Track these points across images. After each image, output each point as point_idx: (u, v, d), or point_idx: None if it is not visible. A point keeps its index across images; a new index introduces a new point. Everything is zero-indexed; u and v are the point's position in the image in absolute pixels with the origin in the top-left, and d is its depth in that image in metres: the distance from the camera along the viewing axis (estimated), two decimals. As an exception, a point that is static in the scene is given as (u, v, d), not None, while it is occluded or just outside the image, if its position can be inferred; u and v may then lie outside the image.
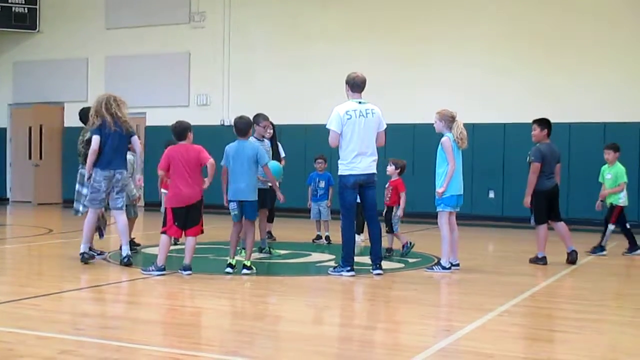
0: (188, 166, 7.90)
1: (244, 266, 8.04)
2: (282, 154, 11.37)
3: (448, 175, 8.28)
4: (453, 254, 8.50)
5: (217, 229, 12.13)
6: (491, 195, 15.46)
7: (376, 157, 8.12)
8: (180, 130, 8.18)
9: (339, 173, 8.10)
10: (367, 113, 8.04)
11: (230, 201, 8.11)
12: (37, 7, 20.30)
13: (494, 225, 14.75)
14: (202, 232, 8.07)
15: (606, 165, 10.59)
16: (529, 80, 15.52)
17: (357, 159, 7.96)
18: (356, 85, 8.14)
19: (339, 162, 8.09)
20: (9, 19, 20.12)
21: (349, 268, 7.99)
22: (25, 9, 20.21)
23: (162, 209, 8.92)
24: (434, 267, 8.48)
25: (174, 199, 7.89)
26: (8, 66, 20.95)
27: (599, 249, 10.20)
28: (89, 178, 8.49)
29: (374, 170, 8.12)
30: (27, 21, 20.28)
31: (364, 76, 8.18)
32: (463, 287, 7.69)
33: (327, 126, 8.05)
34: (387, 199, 9.73)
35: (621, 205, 10.31)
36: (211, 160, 7.97)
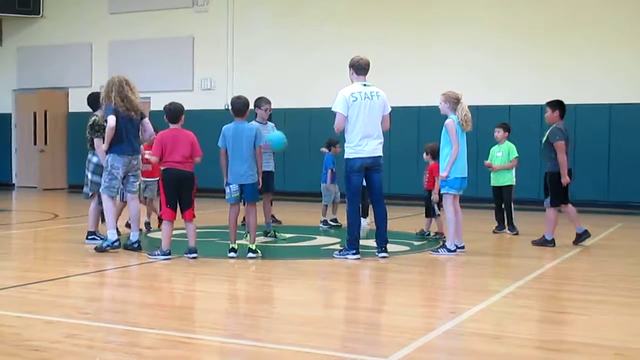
0: (179, 152, 7.83)
1: (249, 250, 8.04)
2: None
3: (451, 158, 8.26)
4: (458, 237, 8.46)
5: (222, 212, 12.13)
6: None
7: (382, 140, 8.08)
8: (175, 113, 8.07)
9: (345, 156, 8.03)
10: (372, 95, 8.00)
11: (229, 184, 8.01)
12: (41, -8, 20.27)
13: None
14: (194, 216, 8.00)
15: (496, 145, 10.71)
16: (534, 62, 15.43)
17: (364, 142, 7.91)
18: (360, 68, 8.07)
19: (345, 145, 8.02)
20: (12, 4, 20.07)
21: (354, 251, 7.99)
22: (29, -6, 20.17)
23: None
24: (439, 250, 8.46)
25: (166, 179, 7.84)
26: (12, 51, 20.94)
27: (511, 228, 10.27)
28: (104, 162, 8.38)
29: (380, 153, 8.08)
30: (31, 6, 20.23)
31: (367, 59, 8.13)
32: (468, 269, 7.70)
33: (332, 109, 7.99)
34: (425, 183, 9.78)
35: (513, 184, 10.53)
36: (200, 157, 8.04)
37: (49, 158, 20.15)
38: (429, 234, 9.80)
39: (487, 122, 15.11)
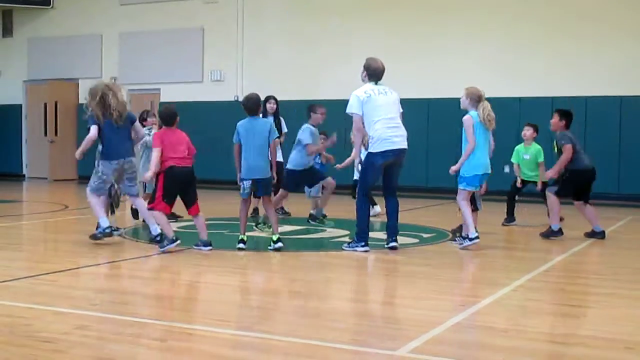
0: (180, 149, 7.90)
1: (274, 241, 7.99)
2: (284, 129, 11.36)
3: (465, 154, 8.13)
4: (469, 228, 8.31)
5: (230, 204, 12.14)
6: (506, 170, 15.36)
7: (405, 133, 7.99)
8: (171, 116, 8.06)
9: (369, 150, 7.91)
10: (385, 91, 7.96)
11: (243, 179, 8.00)
12: (51, -17, 20.30)
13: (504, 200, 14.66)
14: (153, 209, 7.89)
15: (522, 145, 10.74)
16: (545, 53, 15.37)
17: (387, 132, 7.78)
18: (375, 75, 8.00)
19: (370, 140, 7.87)
20: (23, -4, 20.14)
21: (363, 243, 7.97)
22: (39, -16, 20.21)
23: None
24: (456, 239, 8.39)
25: (171, 177, 7.82)
26: (23, 42, 20.98)
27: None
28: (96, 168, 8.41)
29: (406, 146, 7.96)
30: (41, -3, 20.28)
31: (383, 66, 8.02)
32: (478, 262, 7.69)
33: (347, 111, 7.89)
34: None
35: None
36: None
37: (59, 149, 20.20)
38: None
39: (498, 114, 15.07)
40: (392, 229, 8.10)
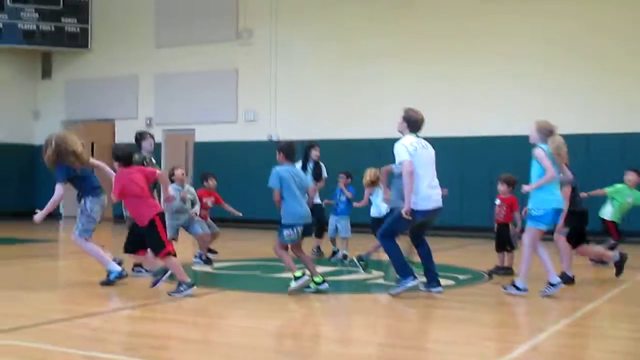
0: (141, 188, 7.73)
1: (317, 283, 7.86)
2: (324, 175, 11.40)
3: (540, 180, 7.62)
4: (551, 272, 7.79)
5: (260, 245, 12.14)
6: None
7: (440, 191, 7.95)
8: (128, 156, 7.97)
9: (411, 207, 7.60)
10: (426, 146, 7.93)
11: (294, 226, 7.81)
12: (89, 26, 20.71)
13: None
14: (170, 252, 7.69)
15: (626, 186, 10.52)
16: (570, 94, 15.30)
17: (429, 191, 7.74)
18: (417, 126, 7.93)
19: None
20: (62, 39, 20.57)
21: (410, 277, 7.67)
22: (78, 28, 20.63)
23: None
24: (506, 287, 7.93)
25: (162, 218, 7.77)
26: (61, 84, 21.39)
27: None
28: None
29: (441, 204, 7.91)
30: (80, 40, 20.70)
31: (423, 117, 7.98)
32: (514, 305, 7.54)
33: (398, 161, 7.72)
34: (501, 216, 9.48)
35: None
36: (159, 172, 7.98)
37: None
38: (506, 270, 9.37)
39: (526, 153, 15.02)
40: (432, 273, 7.90)
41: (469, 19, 16.37)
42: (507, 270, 9.33)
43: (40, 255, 12.05)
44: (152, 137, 9.68)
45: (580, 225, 8.85)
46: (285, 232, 7.80)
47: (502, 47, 16.02)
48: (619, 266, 9.04)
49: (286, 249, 7.97)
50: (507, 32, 16.08)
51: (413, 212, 7.63)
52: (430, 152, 7.93)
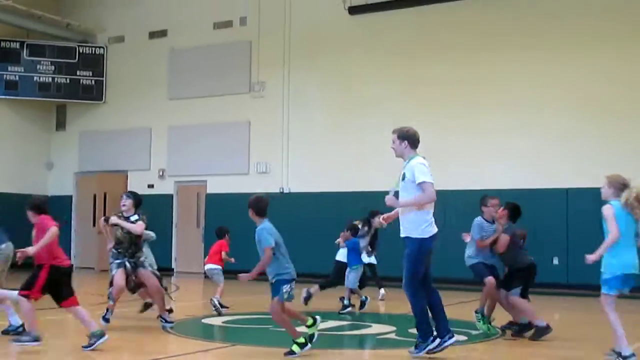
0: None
1: (312, 337, 7.47)
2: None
3: (603, 245, 7.15)
4: (619, 342, 7.08)
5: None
6: (555, 262, 15.16)
7: None
8: (43, 205, 7.97)
9: (417, 236, 7.11)
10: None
11: (290, 281, 7.45)
12: (104, 79, 21.00)
13: (558, 293, 14.37)
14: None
15: None
16: (590, 145, 15.25)
17: (432, 217, 7.26)
18: (417, 141, 7.48)
19: (414, 223, 7.14)
20: (77, 91, 20.86)
21: (431, 338, 7.22)
22: (93, 81, 20.92)
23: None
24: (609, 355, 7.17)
25: (55, 275, 7.72)
26: (75, 136, 21.60)
27: None
28: None
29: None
30: (94, 93, 20.97)
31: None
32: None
33: (420, 180, 7.12)
34: None
35: None
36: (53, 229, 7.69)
37: (107, 240, 20.41)
38: (519, 325, 8.98)
39: (545, 206, 15.03)
40: (445, 323, 7.36)
41: (480, 68, 16.48)
42: (520, 326, 9.17)
43: (52, 307, 11.99)
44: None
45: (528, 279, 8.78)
46: (285, 287, 7.37)
47: (508, 96, 16.04)
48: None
49: (283, 310, 7.50)
50: (509, 80, 16.12)
51: (426, 241, 7.13)
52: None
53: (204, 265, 11.67)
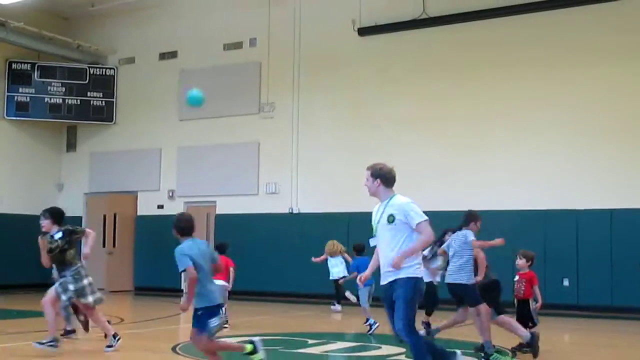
0: None
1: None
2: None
3: None
4: None
5: (281, 319, 12.05)
6: (565, 283, 15.07)
7: None
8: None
9: (413, 275, 6.43)
10: None
11: (212, 308, 6.54)
12: (114, 100, 21.12)
13: (568, 315, 14.28)
14: None
15: None
16: (600, 167, 15.18)
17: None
18: (392, 179, 6.85)
19: (409, 262, 6.44)
20: (87, 112, 20.97)
21: None
22: (103, 102, 21.04)
23: None
24: None
25: None
26: (85, 157, 21.69)
27: None
28: None
29: None
30: (104, 114, 21.08)
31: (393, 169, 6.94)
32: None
33: (419, 221, 6.45)
34: (521, 292, 9.23)
35: None
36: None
37: (117, 260, 20.50)
38: (530, 347, 8.91)
39: (555, 227, 14.97)
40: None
41: (487, 90, 16.47)
42: (530, 348, 9.12)
43: (59, 329, 11.99)
44: None
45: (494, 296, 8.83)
46: (212, 322, 6.51)
47: (520, 116, 15.97)
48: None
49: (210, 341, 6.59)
50: (521, 100, 16.01)
51: (419, 281, 6.50)
52: None
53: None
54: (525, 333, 8.72)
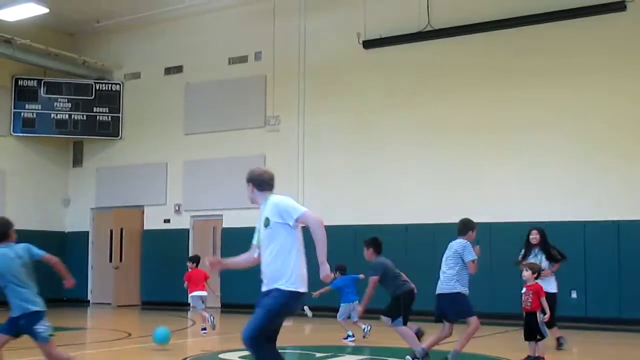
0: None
1: None
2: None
3: None
4: None
5: (285, 331, 12.00)
6: (574, 295, 15.00)
7: None
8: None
9: (289, 289, 5.93)
10: None
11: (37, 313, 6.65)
12: (120, 115, 21.19)
13: (576, 327, 14.19)
14: None
15: None
16: (607, 178, 15.13)
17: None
18: (264, 182, 6.39)
19: (286, 272, 5.99)
20: (93, 128, 21.06)
21: None
22: (109, 117, 21.11)
23: None
24: None
25: None
26: (92, 172, 21.74)
27: None
28: None
29: None
30: (111, 129, 21.15)
31: (271, 174, 6.50)
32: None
33: (299, 213, 6.08)
34: (529, 304, 9.20)
35: None
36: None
37: (124, 275, 20.51)
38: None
39: (563, 239, 14.84)
40: None
41: (492, 103, 16.46)
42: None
43: (67, 343, 12.00)
44: None
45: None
46: (40, 325, 6.65)
47: (523, 127, 16.00)
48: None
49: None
50: (531, 111, 15.96)
51: (295, 296, 5.96)
52: None
53: (191, 293, 13.18)
54: (418, 347, 8.89)
